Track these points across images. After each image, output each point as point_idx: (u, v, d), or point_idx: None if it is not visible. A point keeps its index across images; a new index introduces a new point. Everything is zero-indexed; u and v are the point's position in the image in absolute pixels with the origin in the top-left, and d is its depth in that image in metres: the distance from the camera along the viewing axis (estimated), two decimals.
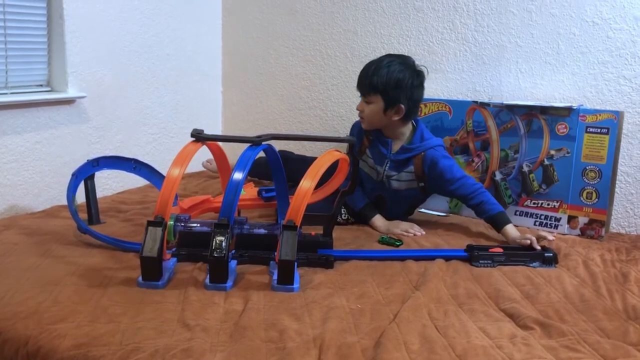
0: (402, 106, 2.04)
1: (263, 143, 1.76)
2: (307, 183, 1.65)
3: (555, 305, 1.51)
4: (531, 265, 1.82)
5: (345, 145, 1.90)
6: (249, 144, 1.75)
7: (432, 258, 1.82)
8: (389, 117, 2.06)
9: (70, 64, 2.31)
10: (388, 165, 2.13)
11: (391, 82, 2.02)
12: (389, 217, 2.18)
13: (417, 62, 2.10)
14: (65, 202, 2.06)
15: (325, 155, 1.80)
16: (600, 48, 2.26)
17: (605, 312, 1.48)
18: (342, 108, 2.83)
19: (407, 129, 2.15)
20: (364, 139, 2.21)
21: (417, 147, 2.10)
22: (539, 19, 2.35)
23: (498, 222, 2.03)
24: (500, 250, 1.85)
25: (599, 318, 1.45)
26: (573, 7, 2.28)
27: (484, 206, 2.05)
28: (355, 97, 2.53)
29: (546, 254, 1.84)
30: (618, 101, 2.24)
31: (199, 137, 1.75)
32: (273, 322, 1.35)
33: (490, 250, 1.85)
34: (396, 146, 2.14)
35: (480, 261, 1.80)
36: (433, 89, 2.59)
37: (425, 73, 2.12)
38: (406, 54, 2.16)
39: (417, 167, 2.10)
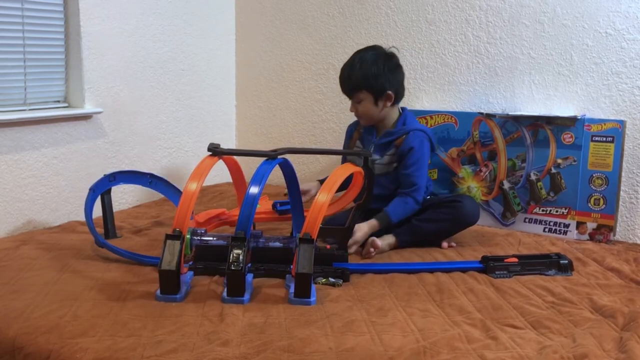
0: (390, 92, 2.11)
1: (279, 157, 1.78)
2: (322, 196, 1.65)
3: None
4: (547, 273, 1.81)
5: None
6: (264, 158, 1.76)
7: (448, 270, 1.82)
8: (382, 106, 2.13)
9: (87, 80, 2.34)
10: (372, 149, 2.17)
11: (370, 73, 2.09)
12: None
13: (385, 47, 2.19)
14: (82, 217, 2.09)
15: (340, 169, 1.81)
16: (613, 59, 2.26)
17: None
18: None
19: (395, 115, 2.19)
20: (354, 134, 2.29)
21: (398, 130, 2.15)
22: (551, 30, 2.36)
23: (378, 216, 2.04)
24: (515, 260, 1.85)
25: None
26: (586, 18, 2.29)
27: (390, 203, 2.06)
28: None
29: (562, 262, 1.84)
30: (633, 111, 2.24)
31: (215, 151, 1.77)
32: (295, 335, 1.35)
33: (505, 260, 1.85)
34: (380, 132, 2.19)
35: (496, 272, 1.80)
36: (446, 101, 2.60)
37: (397, 53, 2.19)
38: (373, 44, 2.24)
39: (397, 148, 2.13)
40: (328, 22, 2.85)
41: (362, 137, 2.25)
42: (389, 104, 2.13)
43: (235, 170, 1.99)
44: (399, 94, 2.16)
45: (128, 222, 2.28)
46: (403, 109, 2.21)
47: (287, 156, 1.84)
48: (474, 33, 2.51)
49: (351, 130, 2.33)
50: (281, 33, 2.98)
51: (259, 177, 1.66)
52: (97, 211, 2.05)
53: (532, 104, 2.43)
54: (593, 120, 2.22)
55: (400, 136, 2.13)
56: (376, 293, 1.63)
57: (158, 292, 1.55)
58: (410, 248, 2.05)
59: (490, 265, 1.82)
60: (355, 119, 2.26)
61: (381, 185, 2.13)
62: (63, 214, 2.32)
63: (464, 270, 1.82)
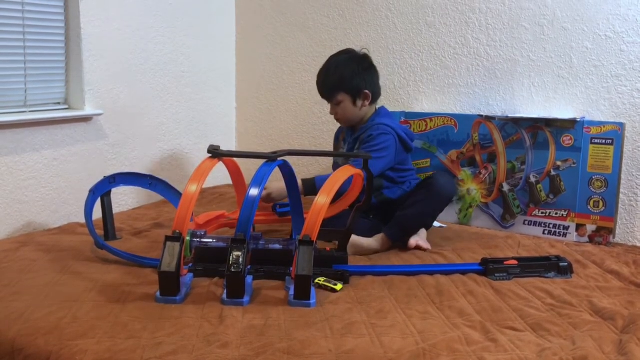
0: (367, 91, 2.17)
1: (278, 159, 1.78)
2: (322, 199, 1.65)
3: None
4: (547, 276, 1.81)
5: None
6: (264, 160, 1.77)
7: (448, 273, 1.82)
8: (361, 106, 2.19)
9: (87, 82, 2.34)
10: (346, 147, 2.26)
11: (345, 75, 2.16)
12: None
13: (357, 50, 2.26)
14: (82, 219, 2.09)
15: (340, 171, 1.81)
16: (613, 61, 2.26)
17: None
18: None
19: (371, 114, 2.24)
20: (340, 136, 2.39)
21: (366, 125, 2.20)
22: (551, 33, 2.36)
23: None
24: (515, 262, 1.85)
25: None
26: (585, 21, 2.29)
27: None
28: None
29: (561, 264, 1.84)
30: (633, 114, 2.24)
31: (215, 153, 1.77)
32: (294, 337, 1.35)
33: (505, 262, 1.85)
34: (356, 129, 2.26)
35: (496, 275, 1.80)
36: (446, 103, 2.60)
37: (369, 53, 2.27)
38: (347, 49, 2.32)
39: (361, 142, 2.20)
40: (328, 24, 2.85)
41: (345, 139, 2.33)
42: (367, 103, 2.20)
43: (235, 172, 2.00)
44: (376, 93, 2.23)
45: (128, 224, 2.28)
46: (380, 107, 2.27)
47: (287, 158, 1.85)
48: (474, 36, 2.52)
49: (338, 133, 2.42)
50: (281, 35, 2.99)
51: (259, 179, 1.66)
52: (97, 213, 2.05)
53: (531, 106, 2.43)
54: (592, 123, 2.22)
55: (366, 130, 2.18)
56: (376, 295, 1.63)
57: (158, 294, 1.55)
58: (412, 250, 2.05)
59: (489, 268, 1.81)
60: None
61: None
62: (63, 216, 2.32)
63: (463, 273, 1.82)
